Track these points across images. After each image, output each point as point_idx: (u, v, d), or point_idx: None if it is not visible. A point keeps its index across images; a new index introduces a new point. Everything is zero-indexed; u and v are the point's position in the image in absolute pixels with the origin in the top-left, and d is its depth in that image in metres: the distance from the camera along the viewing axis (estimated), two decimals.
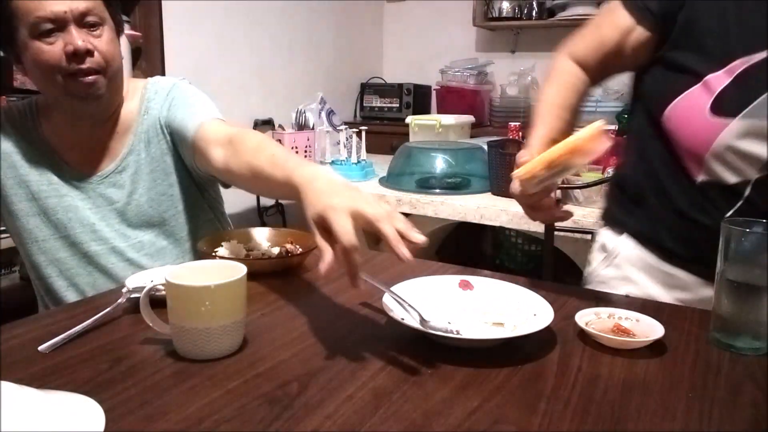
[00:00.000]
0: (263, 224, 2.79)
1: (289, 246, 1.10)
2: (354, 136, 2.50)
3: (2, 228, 1.24)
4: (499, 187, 1.93)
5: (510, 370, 0.70)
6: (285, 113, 2.88)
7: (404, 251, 0.68)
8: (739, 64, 0.87)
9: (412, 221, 0.90)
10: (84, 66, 1.04)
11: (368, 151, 2.41)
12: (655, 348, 0.75)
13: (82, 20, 1.03)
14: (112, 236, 1.17)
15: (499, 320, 0.82)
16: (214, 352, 0.71)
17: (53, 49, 1.02)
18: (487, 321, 0.82)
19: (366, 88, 3.68)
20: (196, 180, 1.22)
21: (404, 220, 0.72)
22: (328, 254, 0.70)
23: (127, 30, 2.26)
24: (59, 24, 1.01)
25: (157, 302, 0.75)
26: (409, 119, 2.74)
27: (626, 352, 0.74)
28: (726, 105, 0.88)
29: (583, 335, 0.78)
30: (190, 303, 0.70)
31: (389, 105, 3.57)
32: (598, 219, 1.16)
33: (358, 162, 2.32)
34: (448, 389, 0.65)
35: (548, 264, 1.63)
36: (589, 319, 0.80)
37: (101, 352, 0.73)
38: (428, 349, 0.74)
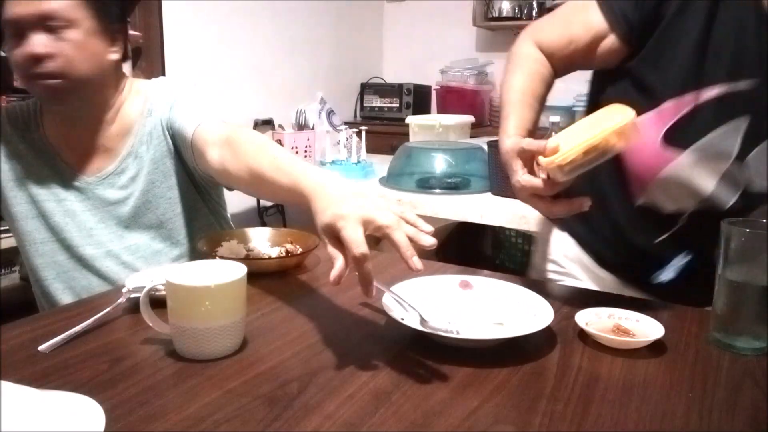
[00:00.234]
0: (263, 224, 2.79)
1: (289, 246, 1.10)
2: (354, 136, 2.50)
3: (2, 228, 1.24)
4: (499, 187, 1.92)
5: (510, 370, 0.70)
6: (285, 113, 2.89)
7: (416, 263, 0.68)
8: (695, 98, 0.87)
9: None
10: (43, 71, 1.02)
11: (368, 151, 2.41)
12: (655, 348, 0.75)
13: (45, 23, 1.01)
14: (109, 239, 1.16)
15: (499, 320, 0.82)
16: (214, 352, 0.71)
17: (19, 52, 1.02)
18: (487, 321, 0.82)
19: (366, 88, 3.68)
20: (198, 183, 1.21)
21: (415, 221, 0.72)
22: (339, 262, 0.69)
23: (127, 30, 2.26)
24: (21, 27, 1.01)
25: (157, 302, 0.75)
26: (409, 119, 2.74)
27: (626, 352, 0.74)
28: (678, 137, 0.89)
29: (583, 335, 0.78)
30: (190, 303, 0.70)
31: (389, 105, 3.57)
32: None
33: (358, 162, 2.32)
34: (448, 389, 0.65)
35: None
36: (589, 319, 0.80)
37: (101, 352, 0.73)
38: (428, 349, 0.74)
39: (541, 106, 0.96)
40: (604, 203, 1.00)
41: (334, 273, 0.69)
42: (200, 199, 1.23)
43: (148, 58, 2.39)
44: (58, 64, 1.03)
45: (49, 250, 1.16)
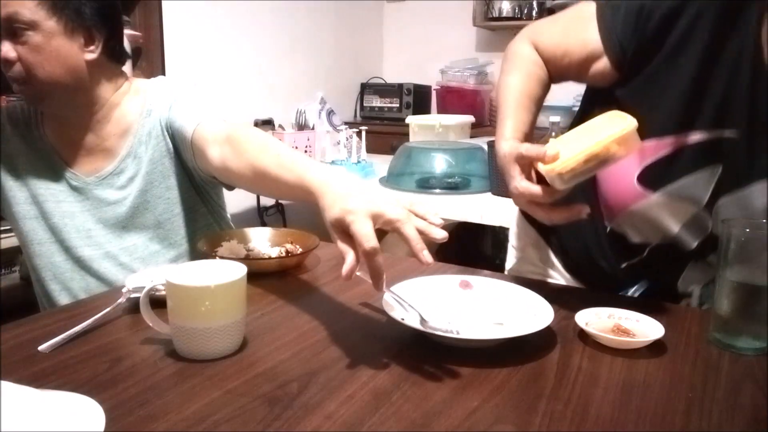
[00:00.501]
0: (263, 224, 2.79)
1: (289, 246, 1.10)
2: (354, 136, 2.50)
3: (2, 228, 1.24)
4: (499, 187, 1.93)
5: (510, 370, 0.70)
6: (285, 113, 2.88)
7: (426, 256, 0.68)
8: (678, 141, 0.87)
9: None
10: (11, 75, 1.03)
11: (368, 151, 2.41)
12: (655, 348, 0.75)
13: (8, 27, 1.01)
14: (107, 240, 1.16)
15: (499, 320, 0.82)
16: (214, 352, 0.71)
17: None
18: (487, 321, 0.82)
19: (366, 88, 3.68)
20: (197, 183, 1.21)
21: (424, 214, 0.72)
22: (350, 257, 0.69)
23: (127, 30, 2.26)
24: None
25: (157, 302, 0.75)
26: (409, 119, 2.75)
27: (626, 352, 0.74)
28: (652, 178, 0.89)
29: (583, 335, 0.78)
30: (190, 303, 0.70)
31: (389, 105, 3.57)
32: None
33: (358, 162, 2.32)
34: (448, 389, 0.65)
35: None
36: (589, 319, 0.80)
37: (101, 352, 0.73)
38: (428, 349, 0.74)
39: (538, 108, 0.95)
40: (575, 224, 1.01)
41: (345, 268, 0.69)
42: (199, 200, 1.23)
43: (148, 58, 2.39)
44: (20, 69, 1.03)
45: (47, 251, 1.15)
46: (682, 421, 0.60)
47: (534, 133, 0.93)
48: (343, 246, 0.70)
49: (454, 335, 0.75)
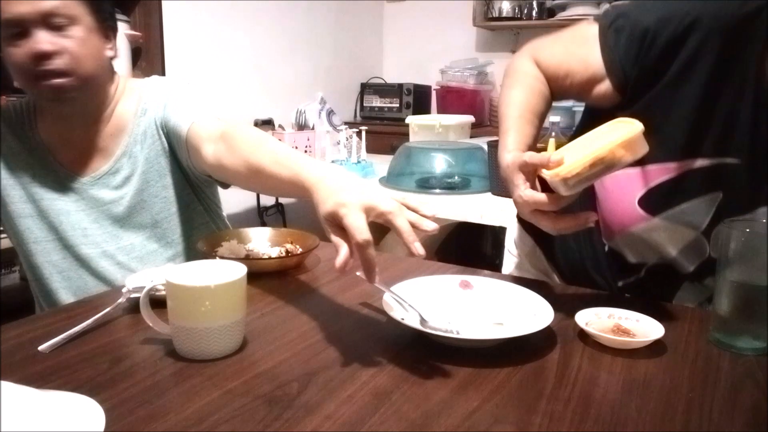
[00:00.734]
0: (263, 224, 2.79)
1: (289, 246, 1.10)
2: (354, 136, 2.50)
3: (2, 228, 1.24)
4: (499, 187, 1.92)
5: (510, 370, 0.69)
6: (285, 113, 2.88)
7: (418, 248, 0.69)
8: (680, 167, 0.87)
9: None
10: (50, 68, 1.02)
11: (368, 151, 2.41)
12: (655, 348, 0.75)
13: (48, 21, 1.01)
14: (104, 239, 1.16)
15: (499, 320, 0.82)
16: (214, 352, 0.71)
17: (20, 51, 1.01)
18: (487, 321, 0.82)
19: (366, 88, 3.68)
20: (193, 182, 1.21)
21: (416, 207, 0.73)
22: (344, 250, 0.70)
23: (127, 30, 2.26)
24: (24, 26, 1.00)
25: (157, 302, 0.75)
26: (409, 119, 2.74)
27: (626, 352, 0.74)
28: (654, 202, 0.89)
29: (583, 335, 0.78)
30: (190, 303, 0.70)
31: (389, 105, 3.57)
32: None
33: (358, 162, 2.32)
34: (448, 389, 0.65)
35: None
36: (589, 319, 0.80)
37: (101, 352, 0.73)
38: (428, 349, 0.74)
39: (541, 122, 0.94)
40: (574, 240, 1.03)
41: (339, 260, 0.69)
42: (195, 199, 1.23)
43: (148, 58, 2.39)
44: (64, 61, 1.03)
45: (44, 249, 1.15)
46: (682, 421, 0.60)
47: (536, 147, 0.93)
48: (336, 239, 0.71)
49: (454, 335, 0.75)
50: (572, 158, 0.74)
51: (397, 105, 3.53)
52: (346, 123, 3.09)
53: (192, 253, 1.19)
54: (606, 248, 0.99)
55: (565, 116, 3.05)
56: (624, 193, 0.91)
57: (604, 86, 0.90)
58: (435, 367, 0.70)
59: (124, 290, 0.86)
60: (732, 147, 0.85)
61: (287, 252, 1.08)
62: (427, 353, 0.73)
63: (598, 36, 0.90)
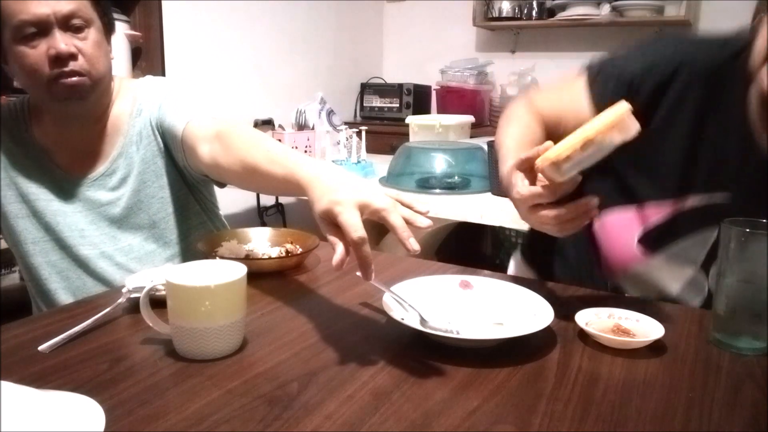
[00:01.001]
0: (263, 224, 2.79)
1: (289, 246, 1.10)
2: (354, 136, 2.50)
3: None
4: (499, 187, 1.92)
5: (510, 370, 0.70)
6: (285, 113, 2.88)
7: (413, 244, 0.69)
8: (674, 205, 0.91)
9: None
10: (67, 69, 1.02)
11: (368, 151, 2.41)
12: (655, 348, 0.75)
13: (66, 23, 1.02)
14: (102, 240, 1.16)
15: (499, 320, 0.82)
16: (214, 352, 0.71)
17: (36, 52, 1.01)
18: (487, 321, 0.82)
19: (366, 88, 3.68)
20: (189, 182, 1.20)
21: (410, 203, 0.73)
22: (340, 248, 0.70)
23: (127, 30, 2.26)
24: (42, 27, 1.00)
25: (157, 302, 0.75)
26: (409, 119, 2.74)
27: (626, 352, 0.74)
28: (652, 241, 0.93)
29: (583, 335, 0.78)
30: (190, 303, 0.70)
31: (389, 105, 3.57)
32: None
33: (358, 162, 2.32)
34: (448, 389, 0.65)
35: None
36: (589, 319, 0.80)
37: (101, 352, 0.73)
38: (428, 349, 0.74)
39: None
40: (576, 276, 1.05)
41: (336, 258, 0.70)
42: (192, 198, 1.23)
43: (148, 58, 2.39)
44: (81, 63, 1.04)
45: (42, 249, 1.15)
46: (682, 421, 0.60)
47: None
48: (331, 237, 0.71)
49: (454, 335, 0.75)
50: (563, 144, 0.74)
51: (397, 105, 3.53)
52: (346, 123, 3.08)
53: (190, 252, 1.19)
54: (609, 286, 1.02)
55: None
56: (623, 233, 0.95)
57: None
58: (435, 367, 0.70)
59: (123, 290, 0.86)
60: (721, 186, 0.89)
61: (287, 252, 1.08)
62: (427, 353, 0.73)
63: (587, 84, 0.94)
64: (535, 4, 3.31)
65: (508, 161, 0.86)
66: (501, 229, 2.81)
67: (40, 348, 0.73)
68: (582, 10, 3.13)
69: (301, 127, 2.77)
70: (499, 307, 0.84)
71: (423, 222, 0.72)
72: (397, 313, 0.79)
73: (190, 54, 2.61)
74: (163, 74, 2.36)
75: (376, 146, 2.72)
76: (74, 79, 1.04)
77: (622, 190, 0.97)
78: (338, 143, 2.55)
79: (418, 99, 3.54)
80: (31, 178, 1.14)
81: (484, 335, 0.77)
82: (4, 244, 1.71)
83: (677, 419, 0.60)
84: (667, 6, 3.10)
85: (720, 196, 0.89)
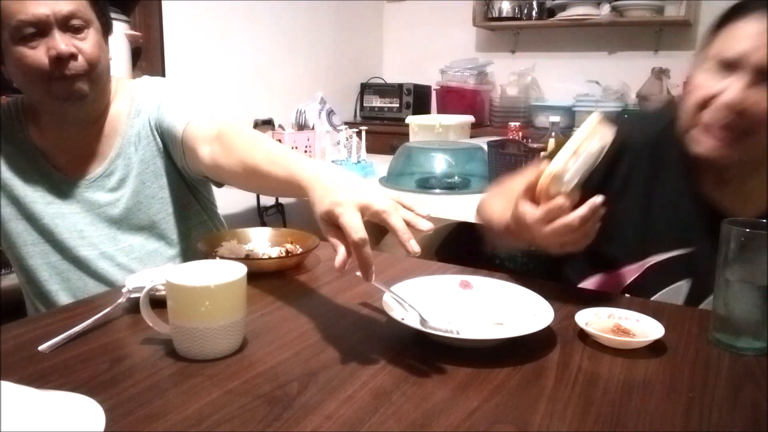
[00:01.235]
0: (263, 224, 2.79)
1: (289, 246, 1.10)
2: (354, 136, 2.49)
3: None
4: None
5: (510, 370, 0.70)
6: (285, 113, 2.88)
7: (413, 246, 0.69)
8: (650, 261, 1.00)
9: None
10: (67, 69, 1.02)
11: (368, 151, 2.41)
12: (655, 348, 0.75)
13: (66, 23, 1.01)
14: (102, 241, 1.15)
15: (499, 320, 0.82)
16: (214, 352, 0.71)
17: (36, 53, 1.01)
18: (487, 321, 0.82)
19: (366, 88, 3.68)
20: (188, 181, 1.20)
21: (411, 206, 0.73)
22: (341, 249, 0.70)
23: (127, 30, 2.26)
24: (41, 28, 1.00)
25: (157, 302, 0.75)
26: (409, 119, 2.74)
27: (626, 352, 0.74)
28: (631, 295, 0.97)
29: (583, 335, 0.78)
30: (190, 303, 0.70)
31: (389, 105, 3.57)
32: None
33: (358, 162, 2.32)
34: (448, 389, 0.65)
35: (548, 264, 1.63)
36: (589, 319, 0.80)
37: (101, 352, 0.73)
38: (428, 349, 0.74)
39: None
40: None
41: (338, 260, 0.70)
42: (192, 198, 1.22)
43: (148, 58, 2.39)
44: (82, 63, 1.04)
45: (41, 251, 1.14)
46: (682, 421, 0.60)
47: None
48: (332, 239, 0.72)
49: (454, 335, 0.75)
50: (557, 158, 0.83)
51: (397, 105, 3.53)
52: (346, 123, 3.08)
53: (191, 252, 1.19)
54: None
55: (565, 116, 3.05)
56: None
57: None
58: (435, 367, 0.70)
59: (124, 290, 0.86)
60: (682, 241, 0.97)
61: (287, 252, 1.08)
62: (427, 353, 0.73)
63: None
64: (535, 4, 3.31)
65: (505, 211, 0.91)
66: None
67: (40, 348, 0.73)
68: (582, 10, 3.13)
69: (301, 127, 2.77)
70: (499, 307, 0.84)
71: (424, 225, 0.72)
72: (397, 313, 0.79)
73: (190, 54, 2.61)
74: (163, 74, 2.36)
75: (376, 146, 2.72)
76: (76, 80, 1.04)
77: (595, 260, 1.03)
78: (338, 143, 2.55)
79: (418, 99, 3.54)
80: (27, 180, 1.13)
81: (484, 335, 0.77)
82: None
83: (677, 419, 0.60)
84: (667, 6, 3.10)
85: (682, 250, 0.98)
